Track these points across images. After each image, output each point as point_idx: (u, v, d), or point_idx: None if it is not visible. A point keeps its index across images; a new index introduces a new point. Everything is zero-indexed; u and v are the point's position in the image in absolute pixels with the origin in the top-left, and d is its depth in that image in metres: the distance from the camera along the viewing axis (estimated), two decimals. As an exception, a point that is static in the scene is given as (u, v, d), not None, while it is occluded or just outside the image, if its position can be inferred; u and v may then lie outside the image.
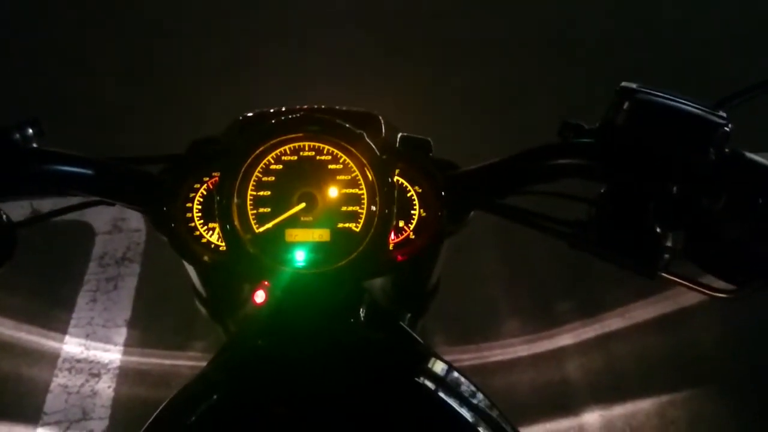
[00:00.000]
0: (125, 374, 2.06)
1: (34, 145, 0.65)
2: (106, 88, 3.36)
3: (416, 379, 0.69)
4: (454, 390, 0.68)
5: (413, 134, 0.73)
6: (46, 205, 2.37)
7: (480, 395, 0.68)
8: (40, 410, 1.95)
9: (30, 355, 2.11)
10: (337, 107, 0.75)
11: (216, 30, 3.92)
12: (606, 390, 2.05)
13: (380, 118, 0.75)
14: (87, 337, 2.17)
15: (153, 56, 3.65)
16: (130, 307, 2.28)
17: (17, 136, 0.63)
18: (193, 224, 0.67)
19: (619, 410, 2.00)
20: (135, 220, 2.60)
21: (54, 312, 2.25)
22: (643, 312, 2.28)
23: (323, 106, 0.74)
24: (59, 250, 2.36)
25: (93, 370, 2.07)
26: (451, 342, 2.12)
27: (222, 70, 3.51)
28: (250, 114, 0.76)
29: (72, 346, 2.14)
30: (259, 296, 0.68)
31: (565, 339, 2.21)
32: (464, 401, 0.66)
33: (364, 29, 3.91)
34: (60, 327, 2.20)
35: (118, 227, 2.58)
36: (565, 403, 2.02)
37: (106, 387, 2.02)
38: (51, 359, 2.10)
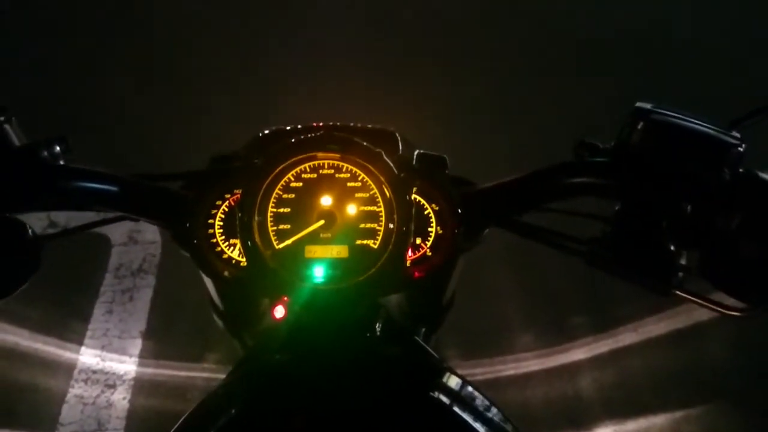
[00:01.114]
0: (140, 386, 2.08)
1: (61, 162, 0.66)
2: (119, 100, 3.40)
3: (432, 394, 0.70)
4: (468, 405, 0.69)
5: (429, 151, 0.74)
6: (62, 217, 2.40)
7: (494, 410, 0.69)
8: (56, 421, 1.97)
9: (46, 365, 2.13)
10: (351, 124, 0.76)
11: (229, 41, 3.96)
12: (619, 405, 2.05)
13: (397, 135, 0.77)
14: (103, 348, 2.19)
15: (166, 67, 3.69)
16: (145, 318, 2.30)
17: (45, 153, 0.64)
18: (214, 240, 0.69)
19: (633, 425, 1.99)
20: (151, 232, 2.62)
21: (70, 323, 2.27)
22: (656, 327, 2.28)
23: (338, 123, 0.75)
24: (76, 262, 2.38)
25: (109, 381, 2.09)
26: (464, 356, 2.12)
27: (235, 82, 3.55)
28: (269, 131, 0.77)
29: (88, 357, 2.16)
30: (279, 311, 0.69)
31: (578, 354, 2.20)
32: (479, 416, 0.67)
33: (378, 41, 3.93)
34: (76, 338, 2.22)
35: (134, 239, 2.60)
36: (578, 418, 2.01)
37: (121, 398, 2.03)
38: (67, 370, 2.12)
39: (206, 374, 2.09)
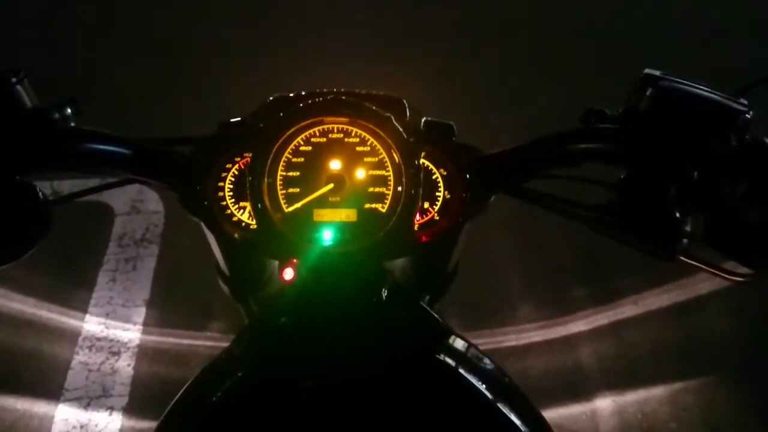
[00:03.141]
0: (144, 353, 2.10)
1: (72, 124, 0.66)
2: (123, 69, 3.39)
3: (438, 356, 0.71)
4: (474, 367, 0.70)
5: (436, 118, 0.74)
6: (66, 186, 2.40)
7: (499, 371, 0.70)
8: (61, 387, 2.00)
9: (51, 332, 2.16)
10: (356, 90, 0.76)
11: (233, 12, 3.93)
12: (619, 376, 2.07)
13: (404, 101, 0.77)
14: (107, 316, 2.21)
15: (170, 38, 3.67)
16: (149, 287, 2.31)
17: (56, 115, 0.65)
18: (224, 203, 0.69)
19: (632, 396, 2.01)
20: (153, 201, 2.63)
21: (74, 291, 2.29)
22: (656, 299, 2.30)
23: (343, 90, 0.75)
24: (79, 231, 2.38)
25: (113, 348, 2.11)
26: (466, 326, 2.14)
27: (238, 53, 3.53)
28: (278, 96, 0.78)
29: (92, 324, 2.18)
30: (288, 273, 0.69)
31: (578, 325, 2.22)
32: (485, 378, 0.68)
33: (382, 12, 3.91)
34: (80, 306, 2.24)
35: (136, 208, 2.61)
36: (578, 389, 2.03)
37: (125, 365, 2.06)
38: (72, 337, 2.14)
39: (209, 342, 2.11)
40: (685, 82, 0.61)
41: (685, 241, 0.63)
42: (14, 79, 0.63)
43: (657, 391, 2.02)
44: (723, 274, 0.62)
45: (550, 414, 1.95)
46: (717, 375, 2.06)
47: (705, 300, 2.27)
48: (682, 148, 0.60)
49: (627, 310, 2.27)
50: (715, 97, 0.59)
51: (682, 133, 0.60)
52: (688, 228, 0.63)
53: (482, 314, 2.21)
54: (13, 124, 0.63)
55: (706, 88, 0.60)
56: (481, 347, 0.74)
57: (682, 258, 0.63)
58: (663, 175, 0.62)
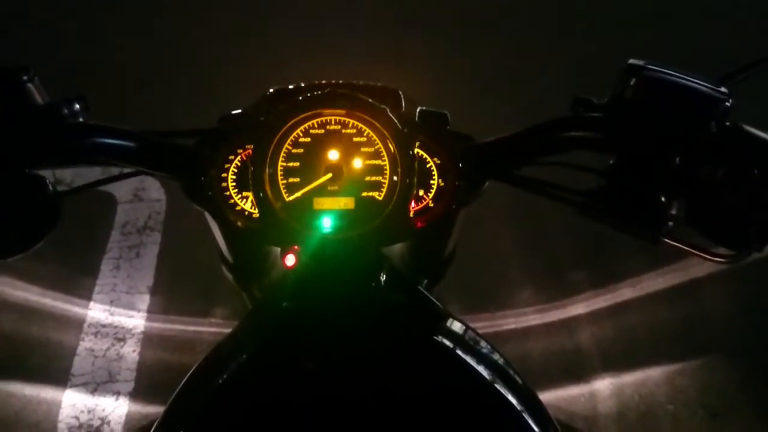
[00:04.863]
0: (149, 339, 2.13)
1: (81, 119, 0.69)
2: (117, 62, 3.41)
3: (436, 338, 0.73)
4: (472, 349, 0.73)
5: (431, 108, 0.77)
6: (67, 174, 2.43)
7: (496, 354, 0.73)
8: (68, 372, 2.03)
9: (57, 320, 2.19)
10: (353, 82, 0.79)
11: (230, 3, 3.93)
12: (616, 358, 2.10)
13: (400, 92, 0.79)
14: (111, 303, 2.24)
15: (166, 30, 3.67)
16: (152, 274, 2.34)
17: (65, 110, 0.67)
18: (228, 193, 0.72)
19: (629, 378, 2.04)
20: (155, 190, 2.65)
21: (79, 279, 2.32)
22: (654, 282, 2.32)
23: (341, 81, 0.78)
24: (82, 219, 2.40)
25: (118, 334, 2.14)
26: (465, 310, 2.17)
27: (236, 44, 3.53)
28: (278, 88, 0.80)
29: (97, 311, 2.21)
30: (290, 260, 0.72)
31: (577, 308, 2.25)
32: (482, 359, 0.71)
33: (379, 2, 3.91)
34: (85, 293, 2.27)
35: (138, 197, 2.63)
36: (577, 371, 2.07)
37: (131, 351, 2.09)
38: (77, 324, 2.18)
39: (213, 328, 2.14)
40: (668, 71, 0.63)
41: (670, 224, 0.65)
42: (25, 77, 0.65)
43: (654, 373, 2.05)
44: (706, 256, 0.64)
45: (549, 396, 1.98)
46: (713, 357, 2.09)
47: (702, 283, 2.30)
48: (665, 135, 0.62)
49: (625, 293, 2.30)
50: (697, 86, 0.62)
51: (664, 120, 0.62)
52: (673, 212, 0.66)
53: (481, 298, 2.24)
54: (25, 120, 0.65)
55: (688, 77, 0.63)
56: (481, 331, 0.76)
57: (667, 240, 0.66)
58: (647, 161, 0.65)
